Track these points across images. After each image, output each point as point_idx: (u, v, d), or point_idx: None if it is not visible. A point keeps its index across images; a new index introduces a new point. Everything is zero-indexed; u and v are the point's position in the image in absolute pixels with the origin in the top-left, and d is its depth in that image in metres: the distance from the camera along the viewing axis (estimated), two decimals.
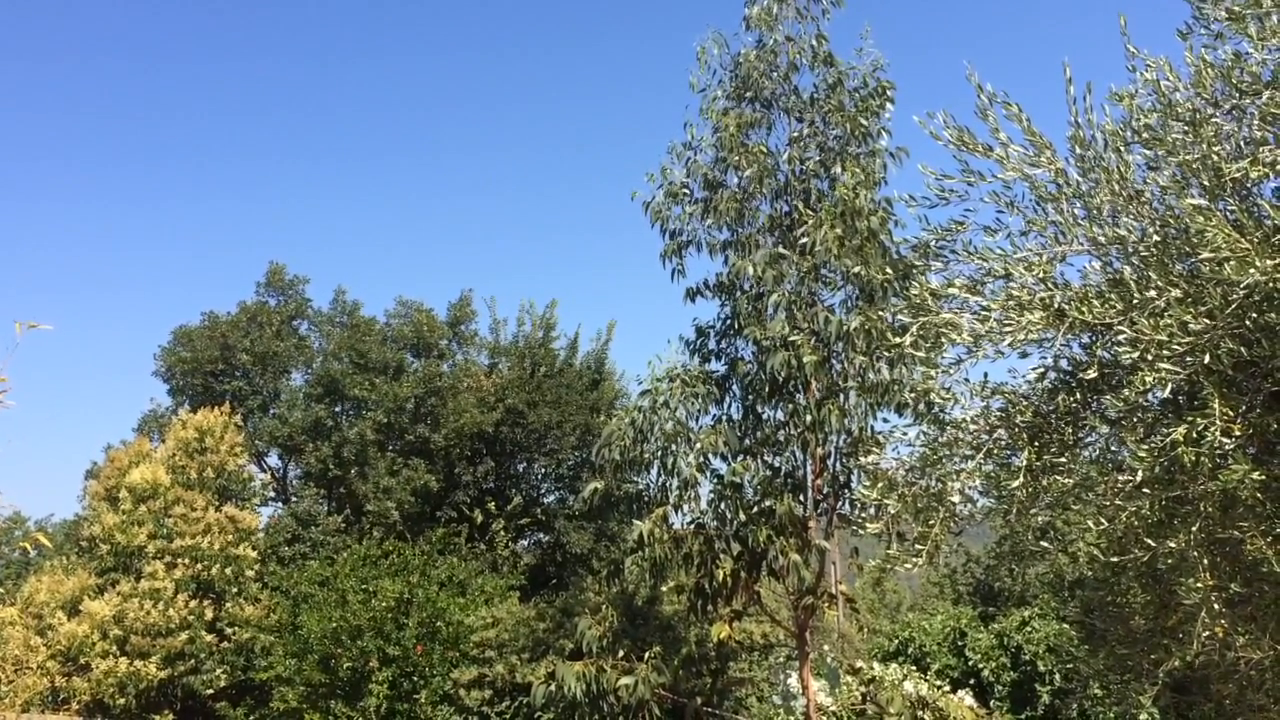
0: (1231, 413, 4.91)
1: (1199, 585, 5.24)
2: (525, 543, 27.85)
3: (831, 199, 11.37)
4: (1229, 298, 4.81)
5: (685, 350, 12.10)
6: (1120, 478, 5.34)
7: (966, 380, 6.13)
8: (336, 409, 27.59)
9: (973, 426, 6.07)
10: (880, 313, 10.25)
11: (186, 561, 22.58)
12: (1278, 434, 5.21)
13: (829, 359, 11.06)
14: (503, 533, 24.48)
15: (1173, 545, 5.23)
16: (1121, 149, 5.64)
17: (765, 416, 11.51)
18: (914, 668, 16.29)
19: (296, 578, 21.45)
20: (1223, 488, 4.91)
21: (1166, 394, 5.13)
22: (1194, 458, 4.89)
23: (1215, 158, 5.18)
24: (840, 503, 11.47)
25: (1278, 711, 6.86)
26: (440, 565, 20.52)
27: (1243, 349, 4.95)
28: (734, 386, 11.74)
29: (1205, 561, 5.22)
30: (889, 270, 10.24)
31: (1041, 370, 5.94)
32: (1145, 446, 5.12)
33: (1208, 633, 5.53)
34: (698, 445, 10.93)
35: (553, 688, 11.36)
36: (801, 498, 11.29)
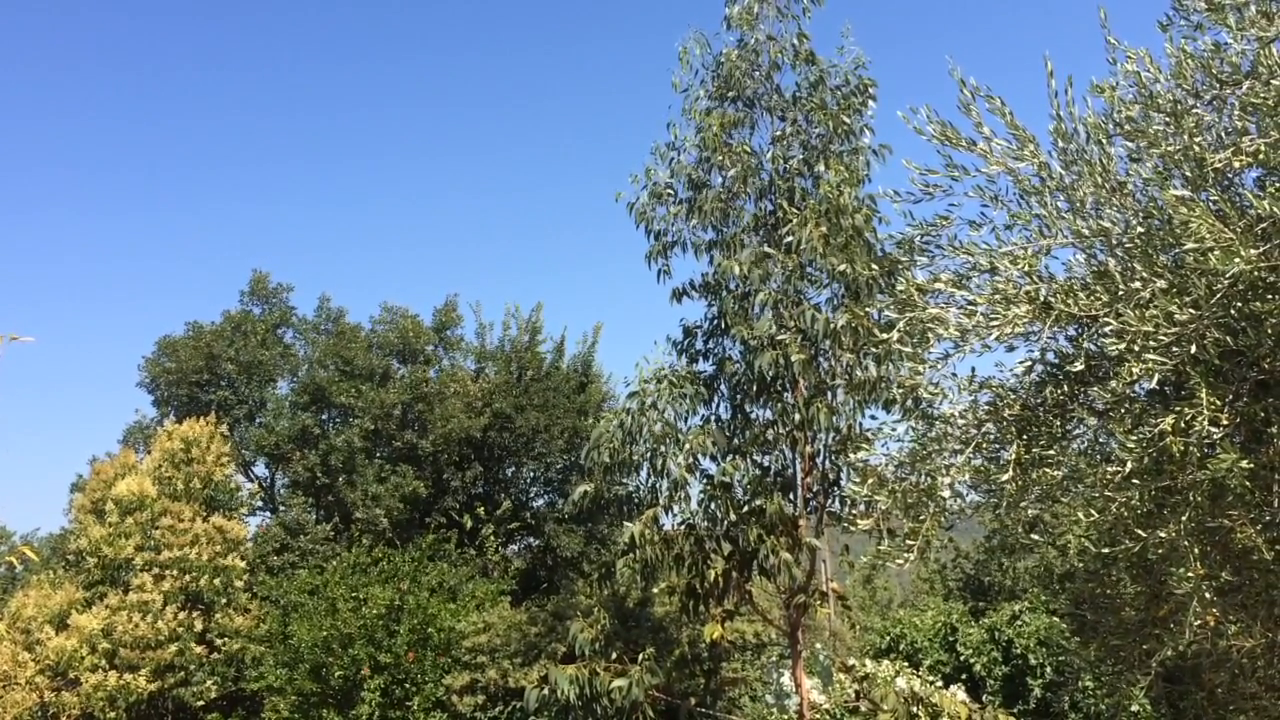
0: (1219, 402, 4.92)
1: (1189, 575, 5.24)
2: (515, 547, 27.77)
3: (816, 197, 11.37)
4: (1214, 287, 4.83)
5: (672, 351, 12.08)
6: (1109, 469, 5.34)
7: (954, 375, 6.12)
8: (323, 417, 27.48)
9: (961, 421, 6.07)
10: (867, 309, 10.24)
11: (175, 573, 22.44)
12: (1265, 422, 5.23)
13: (816, 357, 11.06)
14: (492, 537, 24.41)
15: (1163, 535, 5.24)
16: (1104, 141, 5.65)
17: (754, 416, 11.50)
18: (906, 664, 16.31)
19: (286, 587, 21.35)
20: (1211, 477, 4.92)
21: (1154, 384, 5.13)
22: (1182, 447, 4.90)
23: (1197, 148, 5.20)
24: (830, 500, 11.47)
25: (1270, 699, 6.88)
26: (430, 571, 20.45)
27: (1229, 338, 4.96)
28: (722, 386, 11.74)
29: (1195, 551, 5.23)
30: (874, 267, 10.23)
31: (1029, 363, 5.95)
32: (1134, 437, 5.12)
33: (1199, 622, 5.54)
34: (687, 446, 10.91)
35: (546, 691, 11.31)
36: (791, 496, 11.28)
